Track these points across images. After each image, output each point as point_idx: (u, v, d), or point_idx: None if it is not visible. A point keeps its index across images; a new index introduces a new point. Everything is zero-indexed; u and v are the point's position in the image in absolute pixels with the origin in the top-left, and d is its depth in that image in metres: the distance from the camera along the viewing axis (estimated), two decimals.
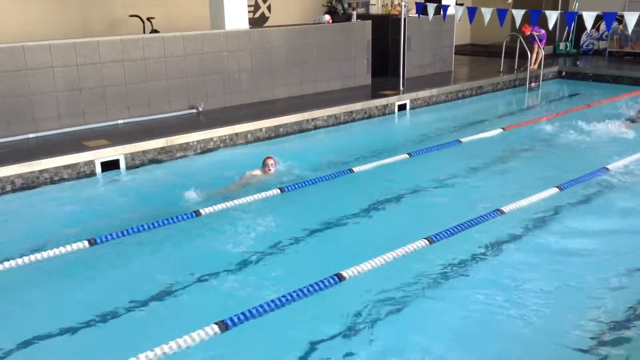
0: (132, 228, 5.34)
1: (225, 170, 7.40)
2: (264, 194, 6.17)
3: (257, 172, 6.81)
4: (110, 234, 5.21)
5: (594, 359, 3.63)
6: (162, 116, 8.70)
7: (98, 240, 5.10)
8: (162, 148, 7.57)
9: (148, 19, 10.77)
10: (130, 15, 10.75)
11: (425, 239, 4.97)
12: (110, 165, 7.15)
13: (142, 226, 5.38)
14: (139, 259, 5.02)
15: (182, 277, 4.63)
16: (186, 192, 6.20)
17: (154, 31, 10.52)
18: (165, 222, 5.50)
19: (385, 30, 12.02)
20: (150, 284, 4.53)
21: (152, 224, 5.43)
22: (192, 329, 3.67)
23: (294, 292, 4.12)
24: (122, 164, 7.24)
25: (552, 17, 9.13)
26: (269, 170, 6.79)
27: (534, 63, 12.80)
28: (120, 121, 8.33)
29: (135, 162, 7.35)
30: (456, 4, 12.90)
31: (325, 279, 4.30)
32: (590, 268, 4.73)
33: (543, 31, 12.56)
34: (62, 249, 4.90)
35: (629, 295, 4.32)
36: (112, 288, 4.56)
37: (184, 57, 8.89)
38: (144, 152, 7.41)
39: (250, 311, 3.89)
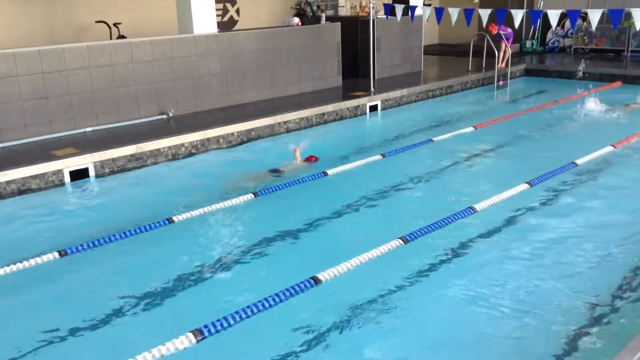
0: (103, 238, 5.25)
1: (199, 175, 7.36)
2: (237, 199, 6.13)
3: (291, 163, 7.38)
4: (81, 245, 5.11)
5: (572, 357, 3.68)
6: (131, 123, 8.59)
7: (69, 251, 4.99)
8: (132, 155, 7.47)
9: (115, 24, 10.62)
10: (96, 21, 10.60)
11: (399, 238, 4.99)
12: (79, 174, 7.02)
13: (114, 235, 5.30)
14: (111, 269, 4.93)
15: (155, 285, 4.56)
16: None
17: (121, 37, 10.38)
18: (138, 230, 5.42)
19: (355, 32, 12.07)
20: (123, 294, 4.45)
21: (124, 233, 5.35)
22: (167, 339, 3.61)
23: (270, 297, 4.09)
24: (92, 173, 7.11)
25: (518, 15, 9.28)
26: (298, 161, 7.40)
27: (502, 61, 12.97)
28: (88, 129, 8.19)
29: (105, 170, 7.23)
30: (424, 4, 13.03)
31: (301, 282, 4.28)
32: (562, 264, 4.79)
33: (510, 30, 12.74)
34: (31, 261, 4.79)
35: (596, 293, 4.39)
36: (83, 299, 4.47)
37: (152, 63, 8.79)
38: (114, 159, 7.30)
39: (226, 318, 3.85)
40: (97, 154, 7.18)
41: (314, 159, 7.51)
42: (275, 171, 7.15)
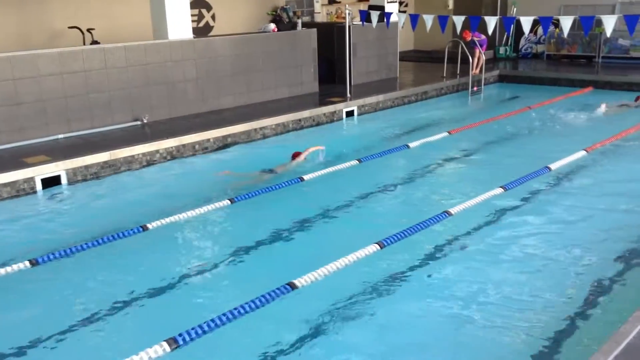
0: (75, 246, 5.16)
1: (174, 182, 7.29)
2: (213, 206, 6.08)
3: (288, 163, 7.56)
4: (53, 253, 5.02)
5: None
6: (105, 129, 8.48)
7: (40, 260, 4.90)
8: (106, 162, 7.37)
9: (88, 30, 10.50)
10: (69, 27, 10.46)
11: (376, 243, 4.99)
12: (51, 182, 6.90)
13: (87, 244, 5.21)
14: (84, 278, 4.84)
15: (129, 294, 4.49)
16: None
17: (94, 42, 10.26)
18: (111, 238, 5.34)
19: (331, 38, 12.11)
20: (96, 303, 4.37)
21: (97, 241, 5.27)
22: (141, 348, 3.55)
23: (246, 303, 4.06)
24: (64, 180, 7.00)
25: (491, 22, 9.39)
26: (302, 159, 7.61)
27: (476, 68, 13.12)
28: (60, 136, 8.07)
29: (78, 178, 7.12)
30: (399, 11, 13.13)
31: (277, 288, 4.26)
32: (536, 267, 4.83)
33: (483, 36, 12.90)
34: (1, 271, 4.69)
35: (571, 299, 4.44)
36: (56, 309, 4.38)
37: (126, 68, 8.70)
38: (87, 166, 7.19)
39: (201, 326, 3.80)
40: (69, 161, 7.07)
41: (302, 157, 7.64)
42: (270, 171, 7.27)
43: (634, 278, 4.60)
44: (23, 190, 6.72)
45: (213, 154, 8.37)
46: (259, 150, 8.62)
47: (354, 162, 7.60)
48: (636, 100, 10.85)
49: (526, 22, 8.95)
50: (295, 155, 7.64)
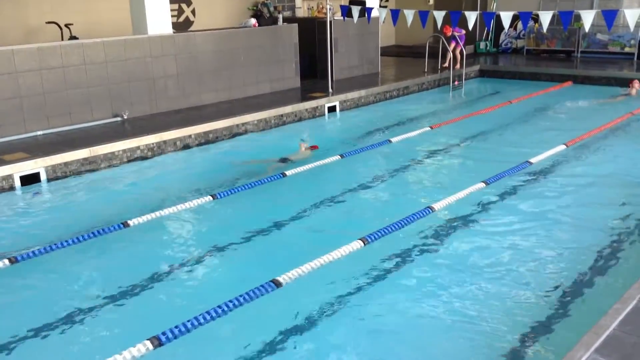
0: (55, 244, 5.09)
1: (155, 178, 7.23)
2: (195, 202, 6.04)
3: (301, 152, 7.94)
4: (33, 251, 4.95)
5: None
6: (84, 125, 8.38)
7: (19, 258, 4.83)
8: (86, 159, 7.28)
9: (66, 25, 10.36)
10: (47, 22, 10.31)
11: (359, 239, 4.99)
12: (30, 179, 6.80)
13: (67, 241, 5.15)
14: (64, 275, 4.79)
15: (110, 291, 4.45)
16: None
17: (72, 38, 10.12)
18: (91, 235, 5.28)
19: (312, 33, 12.08)
20: (77, 301, 4.33)
21: (78, 238, 5.20)
22: (123, 347, 3.52)
23: (230, 301, 4.03)
24: (43, 177, 6.90)
25: (472, 17, 9.44)
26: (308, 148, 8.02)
27: (457, 62, 13.18)
28: (39, 132, 7.95)
29: (57, 175, 7.03)
30: (380, 6, 13.14)
31: (261, 285, 4.24)
32: (521, 262, 4.88)
33: (463, 31, 12.96)
34: None
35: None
36: (35, 308, 4.32)
37: (105, 64, 8.59)
38: (66, 163, 7.10)
39: (184, 324, 3.77)
40: (48, 158, 6.98)
41: (316, 147, 8.06)
42: (284, 160, 7.52)
43: (613, 271, 4.66)
44: (1, 187, 6.61)
45: (193, 149, 8.31)
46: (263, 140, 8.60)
47: (337, 158, 7.59)
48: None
49: (506, 17, 9.01)
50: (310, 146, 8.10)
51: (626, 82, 11.57)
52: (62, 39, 10.15)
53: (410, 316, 4.14)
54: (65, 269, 4.87)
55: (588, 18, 8.55)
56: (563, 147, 7.87)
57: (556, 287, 4.41)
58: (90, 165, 7.32)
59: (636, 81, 11.34)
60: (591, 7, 14.16)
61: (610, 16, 8.61)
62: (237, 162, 7.63)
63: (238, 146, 8.58)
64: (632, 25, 8.62)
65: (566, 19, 9.07)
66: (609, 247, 5.03)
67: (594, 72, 12.88)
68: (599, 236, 5.25)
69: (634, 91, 11.19)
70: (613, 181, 6.72)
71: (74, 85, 8.31)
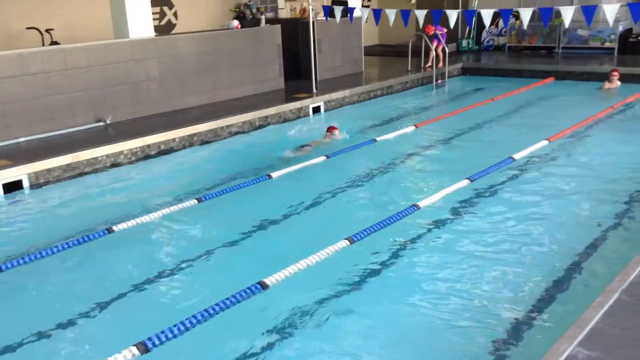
0: (39, 252, 5.05)
1: (139, 183, 7.19)
2: (180, 205, 6.02)
3: (322, 139, 8.37)
4: (17, 260, 4.90)
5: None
6: (67, 131, 8.32)
7: (3, 267, 4.78)
8: (69, 165, 7.23)
9: (47, 30, 10.27)
10: (27, 28, 10.21)
11: (346, 239, 5.00)
12: (12, 187, 6.74)
13: (51, 249, 5.10)
14: (49, 283, 4.75)
15: (96, 298, 4.41)
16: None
17: (54, 43, 10.04)
18: (76, 242, 5.24)
19: (295, 34, 12.08)
20: (62, 309, 4.29)
21: (62, 246, 5.16)
22: (109, 354, 3.49)
23: (216, 304, 4.02)
24: (26, 184, 6.85)
25: (453, 15, 9.49)
26: (333, 136, 8.47)
27: (440, 61, 13.24)
28: (21, 139, 7.88)
29: (40, 182, 6.97)
30: (362, 6, 13.16)
31: (247, 287, 4.23)
32: (505, 258, 4.92)
33: (445, 30, 13.02)
34: None
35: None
36: (20, 316, 4.29)
37: (87, 69, 8.54)
38: (49, 170, 7.05)
39: (171, 329, 3.75)
40: (31, 165, 6.92)
41: (335, 130, 8.57)
42: (302, 147, 8.01)
43: (596, 264, 4.71)
44: None
45: (178, 152, 8.28)
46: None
47: (322, 158, 7.60)
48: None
49: (487, 15, 9.07)
50: (330, 130, 8.54)
51: (607, 77, 11.64)
52: (43, 44, 10.07)
53: (397, 314, 4.15)
54: (50, 277, 4.83)
55: (568, 14, 8.63)
56: (545, 142, 7.94)
57: (539, 282, 4.44)
58: (73, 171, 7.27)
59: (615, 72, 11.43)
60: (571, 3, 14.29)
61: (589, 12, 8.69)
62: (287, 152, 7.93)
63: (220, 149, 8.56)
64: (611, 21, 8.72)
65: (546, 16, 9.14)
66: (590, 241, 5.08)
67: (575, 67, 13.02)
68: (581, 230, 5.30)
69: (614, 84, 11.30)
70: (594, 175, 6.79)
71: (56, 91, 8.24)
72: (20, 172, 6.81)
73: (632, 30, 14.53)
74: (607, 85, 11.43)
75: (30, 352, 3.85)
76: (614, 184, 6.44)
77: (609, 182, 6.53)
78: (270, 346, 3.80)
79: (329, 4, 11.75)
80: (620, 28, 14.23)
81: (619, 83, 11.41)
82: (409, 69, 13.17)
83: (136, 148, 7.89)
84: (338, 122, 10.04)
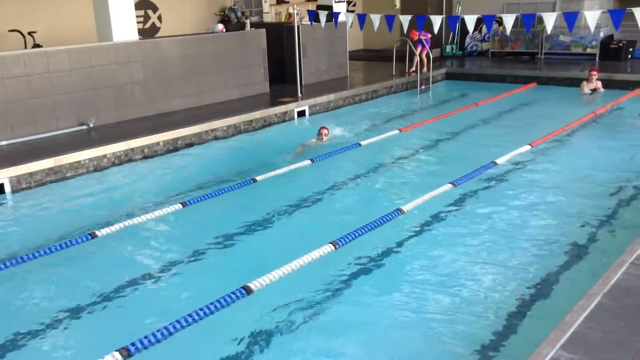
0: (21, 256, 4.99)
1: (122, 187, 7.14)
2: (165, 210, 5.98)
3: (313, 140, 8.40)
4: None
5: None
6: (49, 135, 8.23)
7: None
8: (51, 168, 7.15)
9: (29, 33, 10.17)
10: (9, 30, 10.10)
11: (330, 243, 5.00)
12: None
13: (33, 253, 5.05)
14: (32, 288, 4.70)
15: (79, 303, 4.38)
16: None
17: (36, 46, 9.94)
18: (59, 247, 5.18)
19: (280, 38, 12.09)
20: (44, 313, 4.25)
21: (44, 250, 5.11)
22: (92, 359, 3.46)
23: (200, 309, 4.00)
24: (8, 188, 6.77)
25: (437, 21, 9.56)
26: (323, 138, 8.42)
27: (424, 66, 13.32)
28: (3, 142, 7.79)
29: (22, 185, 6.89)
30: (347, 10, 13.20)
31: (232, 292, 4.22)
32: (488, 262, 4.95)
33: (429, 35, 13.10)
34: None
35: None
36: (1, 321, 4.23)
37: (70, 72, 8.47)
38: (31, 174, 6.97)
39: (154, 334, 3.73)
40: (13, 168, 6.85)
41: (325, 129, 8.54)
42: (296, 149, 8.12)
43: (577, 268, 4.76)
44: None
45: (162, 156, 8.24)
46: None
47: (307, 162, 7.60)
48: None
49: (470, 21, 9.15)
50: (321, 131, 8.53)
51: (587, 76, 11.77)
52: (26, 47, 9.97)
53: (382, 317, 4.16)
54: (32, 282, 4.78)
55: (550, 20, 8.73)
56: (528, 147, 8.02)
57: (522, 286, 4.48)
58: (55, 175, 7.20)
59: (594, 71, 11.57)
60: (553, 10, 14.46)
61: (571, 18, 8.81)
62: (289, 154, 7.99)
63: (204, 153, 8.53)
64: (592, 27, 8.84)
65: (529, 22, 9.24)
66: (573, 245, 5.14)
67: (557, 73, 13.17)
68: (563, 234, 5.36)
69: (593, 84, 11.43)
70: (576, 178, 6.87)
71: (38, 94, 8.17)
72: (1, 176, 6.73)
73: (613, 36, 14.73)
74: (586, 84, 11.56)
75: (10, 357, 3.80)
76: (596, 187, 6.53)
77: (590, 185, 6.61)
78: (254, 351, 3.79)
79: (314, 8, 11.77)
80: (602, 34, 14.42)
81: (599, 83, 11.54)
82: (394, 73, 13.24)
83: (120, 152, 7.83)
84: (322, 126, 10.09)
